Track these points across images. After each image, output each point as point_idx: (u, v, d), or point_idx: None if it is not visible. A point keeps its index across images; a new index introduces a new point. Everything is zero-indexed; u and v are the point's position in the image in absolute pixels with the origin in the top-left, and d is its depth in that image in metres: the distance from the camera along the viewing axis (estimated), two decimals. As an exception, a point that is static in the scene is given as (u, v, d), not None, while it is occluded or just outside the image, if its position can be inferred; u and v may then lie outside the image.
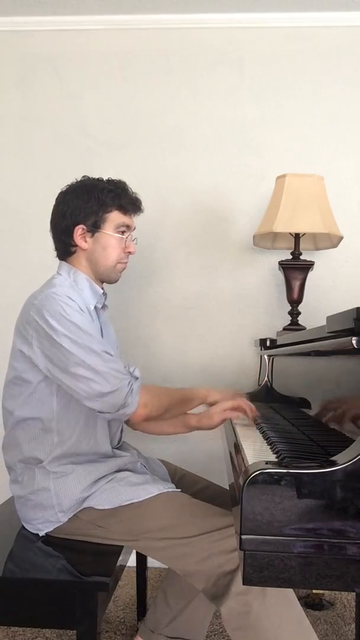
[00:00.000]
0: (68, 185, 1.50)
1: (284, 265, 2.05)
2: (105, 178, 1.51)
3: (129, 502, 1.33)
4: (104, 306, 1.55)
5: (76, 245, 1.46)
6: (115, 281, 1.54)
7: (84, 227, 1.44)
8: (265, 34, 2.30)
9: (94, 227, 1.45)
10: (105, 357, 1.30)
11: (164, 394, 1.43)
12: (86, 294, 1.45)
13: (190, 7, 2.24)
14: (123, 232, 1.48)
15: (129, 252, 1.51)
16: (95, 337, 1.32)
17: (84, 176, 1.52)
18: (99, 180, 1.50)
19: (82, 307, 1.37)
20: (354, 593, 1.85)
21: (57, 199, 1.49)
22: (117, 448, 1.51)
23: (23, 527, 1.42)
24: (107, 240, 1.46)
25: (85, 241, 1.45)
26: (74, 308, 1.32)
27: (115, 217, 1.46)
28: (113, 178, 1.51)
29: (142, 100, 2.34)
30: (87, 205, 1.44)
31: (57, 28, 2.35)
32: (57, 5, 2.25)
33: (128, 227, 1.49)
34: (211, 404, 1.53)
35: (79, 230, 1.44)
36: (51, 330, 1.28)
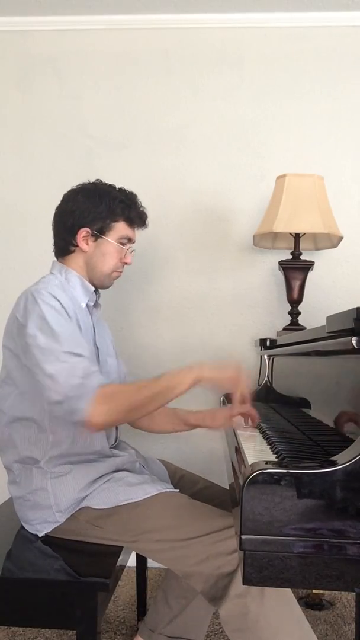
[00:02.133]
0: (80, 184, 1.50)
1: (284, 265, 2.05)
2: (117, 187, 1.51)
3: (126, 502, 1.32)
4: (96, 304, 1.55)
5: (77, 246, 1.46)
6: (108, 287, 1.54)
7: (89, 231, 1.45)
8: (265, 34, 2.30)
9: (99, 233, 1.45)
10: (62, 359, 1.23)
11: (122, 396, 1.27)
12: (78, 291, 1.46)
13: (190, 7, 2.24)
14: (124, 244, 1.49)
15: (125, 263, 1.52)
16: (65, 337, 1.26)
17: (97, 179, 1.52)
18: (112, 187, 1.50)
19: (65, 305, 1.33)
20: (354, 593, 1.84)
21: (66, 196, 1.49)
22: (114, 447, 1.50)
23: (22, 527, 1.42)
24: (108, 247, 1.47)
25: (87, 244, 1.46)
26: (53, 307, 1.29)
27: (120, 228, 1.47)
28: (125, 188, 1.52)
29: (142, 100, 2.34)
30: (97, 210, 1.44)
31: (57, 28, 2.35)
32: (57, 5, 2.25)
33: (130, 239, 1.51)
34: (213, 386, 1.36)
35: (83, 232, 1.45)
36: (27, 329, 1.27)
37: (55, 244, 1.51)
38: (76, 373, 1.23)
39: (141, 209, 1.51)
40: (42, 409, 1.34)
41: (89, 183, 1.51)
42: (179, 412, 1.55)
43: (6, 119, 2.38)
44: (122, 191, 1.50)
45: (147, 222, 1.54)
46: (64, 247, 1.48)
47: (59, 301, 1.32)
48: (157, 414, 1.54)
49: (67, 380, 1.22)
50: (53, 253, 1.52)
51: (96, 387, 1.23)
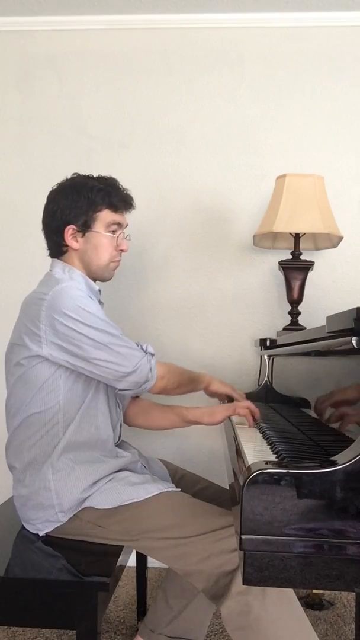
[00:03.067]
0: (58, 183, 1.50)
1: (284, 265, 2.05)
2: (95, 175, 1.51)
3: (129, 502, 1.33)
4: (100, 302, 1.55)
5: (67, 245, 1.46)
6: (109, 279, 1.54)
7: (75, 227, 1.44)
8: (265, 34, 2.30)
9: (85, 227, 1.45)
10: (123, 339, 1.37)
11: (177, 371, 1.50)
12: (83, 290, 1.45)
13: (190, 7, 2.24)
14: (115, 231, 1.48)
15: (122, 250, 1.51)
16: (109, 321, 1.38)
17: (74, 174, 1.51)
18: (89, 177, 1.49)
19: (90, 296, 1.43)
20: (354, 593, 1.85)
21: (47, 197, 1.49)
22: (118, 446, 1.51)
23: (23, 527, 1.42)
24: (99, 239, 1.46)
25: (77, 241, 1.45)
26: (85, 297, 1.37)
27: (105, 216, 1.46)
28: (103, 175, 1.51)
29: (142, 100, 2.34)
30: (76, 205, 1.43)
31: (57, 28, 2.35)
32: (57, 5, 2.25)
33: (119, 224, 1.49)
34: (210, 393, 1.66)
35: (69, 230, 1.44)
36: (72, 323, 1.31)
37: (49, 247, 1.51)
38: (137, 348, 1.39)
39: (123, 191, 1.49)
40: (57, 402, 1.36)
41: (67, 179, 1.50)
42: (176, 408, 1.55)
43: (6, 119, 2.38)
44: (100, 179, 1.49)
45: (133, 203, 1.52)
46: (56, 249, 1.49)
47: (84, 292, 1.40)
48: (153, 410, 1.60)
49: (135, 353, 1.37)
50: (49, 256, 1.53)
51: (155, 357, 1.42)
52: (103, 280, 1.53)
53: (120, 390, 1.40)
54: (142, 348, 1.40)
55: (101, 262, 1.48)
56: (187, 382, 1.54)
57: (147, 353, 1.40)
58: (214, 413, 1.48)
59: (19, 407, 1.38)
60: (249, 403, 1.51)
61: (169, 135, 2.33)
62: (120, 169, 2.30)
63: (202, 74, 2.32)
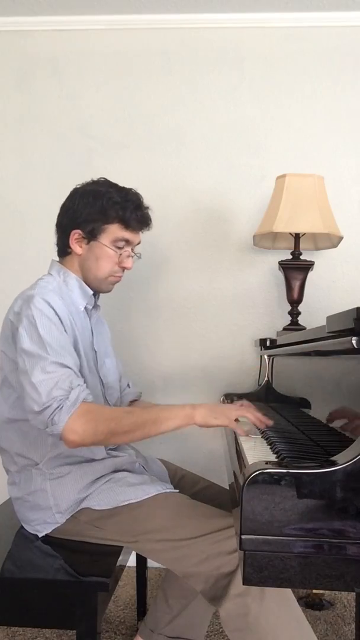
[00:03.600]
0: (84, 183, 1.46)
1: (284, 265, 2.05)
2: (119, 185, 1.45)
3: (126, 503, 1.32)
4: (95, 306, 1.53)
5: (71, 248, 1.44)
6: (106, 292, 1.50)
7: (80, 233, 1.41)
8: (265, 34, 2.30)
9: (90, 235, 1.41)
10: (48, 370, 1.20)
11: (105, 419, 1.21)
12: (75, 294, 1.44)
13: (190, 7, 2.24)
14: (121, 247, 1.43)
15: (124, 267, 1.46)
16: (53, 347, 1.23)
17: (102, 177, 1.47)
18: (112, 186, 1.43)
19: (60, 313, 1.30)
20: (354, 593, 1.85)
21: (69, 193, 1.46)
22: (113, 449, 1.49)
23: (22, 527, 1.42)
24: (102, 251, 1.42)
25: (80, 247, 1.42)
26: (46, 315, 1.27)
27: (114, 231, 1.41)
28: (130, 188, 1.45)
29: (142, 100, 2.34)
30: (90, 211, 1.39)
31: (57, 28, 2.35)
32: (57, 5, 2.25)
33: (127, 241, 1.44)
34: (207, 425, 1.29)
35: (75, 234, 1.41)
36: (18, 335, 1.26)
37: (57, 243, 1.49)
38: (60, 385, 1.19)
39: (140, 210, 1.44)
40: None
41: (92, 182, 1.46)
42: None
43: (6, 119, 2.38)
44: (122, 191, 1.43)
45: (150, 223, 1.47)
46: (61, 247, 1.47)
47: (52, 308, 1.29)
48: None
49: (50, 391, 1.18)
50: (53, 253, 1.52)
51: (79, 402, 1.19)
52: (100, 292, 1.50)
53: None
54: (69, 387, 1.19)
55: (99, 274, 1.44)
56: (133, 429, 1.22)
57: (66, 394, 1.19)
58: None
59: (3, 411, 1.38)
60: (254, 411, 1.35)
61: (169, 135, 2.33)
62: (120, 169, 2.31)
63: (202, 74, 2.32)
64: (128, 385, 1.71)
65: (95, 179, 1.47)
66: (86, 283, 1.46)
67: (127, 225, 1.42)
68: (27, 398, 1.22)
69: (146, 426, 1.23)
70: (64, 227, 1.44)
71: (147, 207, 1.46)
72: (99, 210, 1.39)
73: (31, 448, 1.36)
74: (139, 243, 1.49)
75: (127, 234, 1.43)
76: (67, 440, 1.19)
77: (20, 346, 1.24)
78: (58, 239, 1.47)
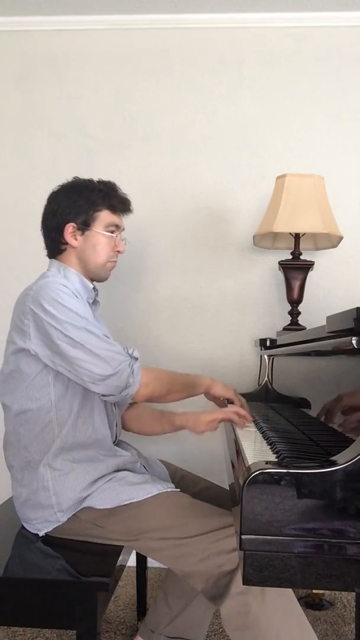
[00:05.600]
0: (59, 185, 1.52)
1: (284, 265, 2.05)
2: (95, 179, 1.53)
3: (128, 502, 1.33)
4: (95, 302, 1.56)
5: (66, 243, 1.48)
6: (105, 279, 1.55)
7: (75, 225, 1.46)
8: (265, 34, 2.30)
9: (84, 225, 1.47)
10: (104, 339, 1.32)
11: (165, 376, 1.43)
12: (77, 288, 1.46)
13: (190, 7, 2.24)
14: (112, 232, 1.50)
15: (118, 251, 1.53)
16: (91, 320, 1.35)
17: (74, 177, 1.54)
18: (90, 180, 1.52)
19: (76, 294, 1.39)
20: (354, 593, 1.85)
21: (48, 198, 1.52)
22: (116, 445, 1.51)
23: (23, 527, 1.42)
24: (97, 238, 1.48)
25: (76, 239, 1.47)
26: (68, 294, 1.35)
27: (104, 216, 1.48)
28: (103, 179, 1.53)
29: (142, 100, 2.34)
30: (77, 204, 1.46)
31: (57, 28, 2.35)
32: (57, 5, 2.25)
33: (117, 226, 1.51)
34: (213, 397, 1.60)
35: (69, 228, 1.46)
36: (49, 317, 1.30)
37: (47, 246, 1.53)
38: (120, 351, 1.34)
39: (122, 195, 1.52)
40: (49, 399, 1.36)
41: (68, 181, 1.53)
42: (167, 414, 1.55)
43: (6, 119, 2.38)
44: (100, 182, 1.52)
45: (131, 207, 1.55)
46: (54, 247, 1.50)
47: (69, 289, 1.37)
48: (146, 416, 1.60)
49: (116, 356, 1.31)
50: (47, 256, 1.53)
51: (140, 362, 1.36)
52: (99, 280, 1.54)
53: (102, 395, 1.35)
54: (127, 352, 1.35)
55: (99, 261, 1.49)
56: (181, 389, 1.47)
57: (131, 357, 1.35)
58: (197, 423, 1.42)
59: (10, 402, 1.39)
60: (237, 408, 1.47)
61: (169, 135, 2.33)
62: (120, 169, 2.31)
63: (202, 74, 2.32)
64: None
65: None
66: (86, 273, 1.50)
67: (114, 209, 1.50)
68: (89, 367, 1.30)
69: (188, 388, 1.49)
70: (54, 226, 1.48)
71: (125, 193, 1.54)
72: (86, 201, 1.47)
73: (37, 440, 1.36)
74: (124, 228, 1.56)
75: (115, 218, 1.50)
76: (139, 394, 1.35)
77: (58, 324, 1.29)
78: (49, 239, 1.51)
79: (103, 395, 1.35)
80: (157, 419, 1.58)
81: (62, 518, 1.34)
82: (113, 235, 1.50)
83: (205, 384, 1.53)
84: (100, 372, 1.30)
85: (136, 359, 1.35)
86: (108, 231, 1.49)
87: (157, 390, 1.39)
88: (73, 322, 1.30)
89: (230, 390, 1.58)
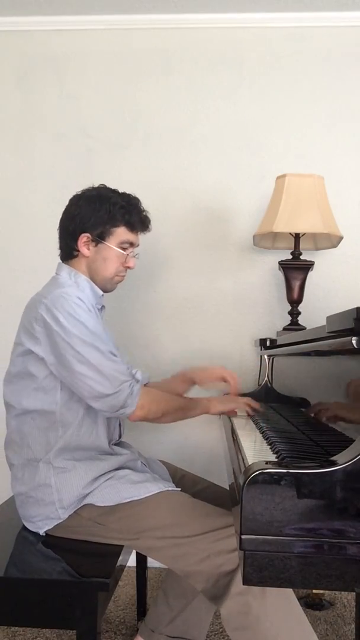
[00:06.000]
0: (85, 189, 1.53)
1: (284, 265, 2.05)
2: (121, 191, 1.53)
3: (129, 500, 1.33)
4: (102, 307, 1.58)
5: (78, 251, 1.49)
6: (111, 291, 1.57)
7: (89, 236, 1.47)
8: (265, 34, 2.30)
9: (99, 238, 1.48)
10: (109, 358, 1.33)
11: (162, 399, 1.43)
12: (87, 294, 1.48)
13: (190, 7, 2.24)
14: (125, 249, 1.51)
15: (128, 267, 1.54)
16: (102, 337, 1.35)
17: (101, 184, 1.54)
18: (114, 192, 1.52)
19: (90, 308, 1.41)
20: (354, 593, 1.85)
21: (71, 200, 1.52)
22: (117, 445, 1.52)
23: (24, 527, 1.42)
24: (109, 253, 1.49)
25: (88, 249, 1.48)
26: (83, 308, 1.36)
27: (121, 233, 1.49)
28: (128, 192, 1.53)
29: (142, 100, 2.34)
30: (97, 215, 1.47)
31: (57, 28, 2.35)
32: (57, 5, 2.25)
33: (132, 244, 1.53)
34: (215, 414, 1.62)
35: (83, 237, 1.47)
36: (60, 329, 1.31)
37: (61, 248, 1.54)
38: (123, 371, 1.35)
39: (143, 213, 1.53)
40: (55, 401, 1.37)
41: (93, 188, 1.53)
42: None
43: (6, 119, 2.38)
44: (124, 196, 1.52)
45: (149, 226, 1.56)
46: (67, 251, 1.52)
47: (84, 303, 1.38)
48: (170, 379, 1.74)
49: (119, 376, 1.32)
50: (56, 255, 1.54)
51: (141, 386, 1.37)
52: (105, 291, 1.55)
53: (97, 410, 1.36)
54: (130, 372, 1.37)
55: (107, 274, 1.51)
56: (176, 411, 1.46)
57: (132, 378, 1.36)
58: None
59: (16, 402, 1.39)
60: (248, 399, 1.60)
61: (169, 135, 2.33)
62: (120, 169, 2.31)
63: (202, 74, 2.32)
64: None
65: (95, 184, 1.54)
66: (93, 282, 1.51)
67: (132, 228, 1.51)
68: (90, 383, 1.31)
69: (184, 410, 1.49)
70: (71, 232, 1.49)
71: (147, 211, 1.55)
72: (106, 214, 1.47)
73: (42, 438, 1.37)
74: (138, 245, 1.56)
75: (131, 236, 1.51)
76: (134, 415, 1.36)
77: (67, 337, 1.31)
78: (64, 242, 1.52)
79: (99, 410, 1.36)
80: (172, 389, 1.67)
81: (64, 515, 1.35)
82: (125, 252, 1.51)
83: (202, 405, 1.53)
84: (101, 389, 1.31)
85: (137, 380, 1.38)
86: (121, 248, 1.50)
87: (151, 413, 1.38)
88: (82, 337, 1.31)
89: (229, 404, 1.60)
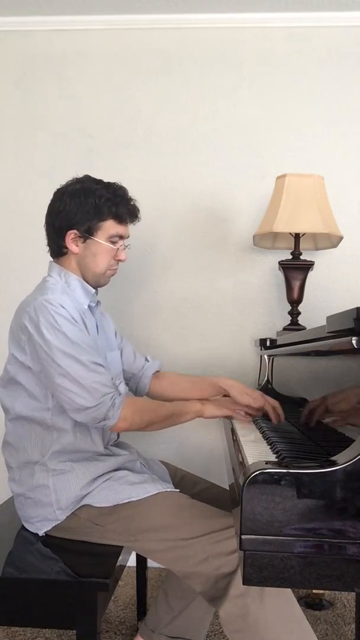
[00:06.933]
0: (67, 182, 1.48)
1: (284, 265, 2.05)
2: (106, 181, 1.48)
3: (127, 501, 1.33)
4: (97, 303, 1.55)
5: (67, 248, 1.45)
6: (104, 285, 1.53)
7: (77, 232, 1.43)
8: (265, 34, 2.30)
9: (87, 234, 1.43)
10: (92, 369, 1.29)
11: (148, 410, 1.39)
12: (78, 294, 1.45)
13: (190, 7, 2.24)
14: (115, 242, 1.47)
15: (119, 260, 1.50)
16: (85, 348, 1.30)
17: (85, 175, 1.49)
18: (98, 183, 1.46)
19: (74, 316, 1.35)
20: (354, 593, 1.84)
21: (54, 195, 1.47)
22: (115, 445, 1.51)
23: (23, 527, 1.42)
24: (98, 248, 1.44)
25: (77, 246, 1.44)
26: (66, 317, 1.32)
27: (109, 227, 1.44)
28: (113, 182, 1.48)
29: (142, 100, 2.34)
30: (82, 210, 1.41)
31: (57, 28, 2.35)
32: (57, 5, 2.25)
33: (121, 237, 1.48)
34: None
35: (71, 234, 1.43)
36: (42, 340, 1.29)
37: (49, 246, 1.50)
38: (106, 382, 1.30)
39: (131, 203, 1.47)
40: (47, 407, 1.35)
41: (76, 181, 1.47)
42: (207, 378, 1.69)
43: (6, 119, 2.38)
44: (109, 187, 1.45)
45: (139, 215, 1.51)
46: (56, 249, 1.48)
47: (68, 311, 1.33)
48: (183, 382, 1.67)
49: (100, 388, 1.28)
50: (49, 254, 1.53)
51: (124, 396, 1.33)
52: (98, 286, 1.52)
53: (80, 422, 1.34)
54: (113, 383, 1.32)
55: (98, 269, 1.47)
56: (164, 419, 1.42)
57: (115, 390, 1.31)
58: (242, 392, 1.56)
59: (10, 407, 1.39)
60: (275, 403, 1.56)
61: (169, 135, 2.33)
62: (120, 169, 2.31)
63: (202, 74, 2.32)
64: (147, 359, 1.70)
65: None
66: (85, 279, 1.48)
67: (120, 220, 1.46)
68: (71, 396, 1.28)
69: (173, 417, 1.44)
70: (57, 229, 1.45)
71: (134, 199, 1.50)
72: (92, 208, 1.42)
73: (37, 442, 1.37)
74: (128, 236, 1.52)
75: (120, 229, 1.47)
76: (116, 427, 1.33)
77: (48, 349, 1.28)
78: (51, 240, 1.48)
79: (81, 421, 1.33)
80: (196, 383, 1.64)
81: (61, 516, 1.34)
82: (115, 245, 1.47)
83: (194, 410, 1.48)
84: (82, 402, 1.28)
85: (120, 393, 1.32)
86: (111, 242, 1.45)
87: (135, 424, 1.35)
88: (63, 349, 1.27)
89: (223, 409, 1.54)
